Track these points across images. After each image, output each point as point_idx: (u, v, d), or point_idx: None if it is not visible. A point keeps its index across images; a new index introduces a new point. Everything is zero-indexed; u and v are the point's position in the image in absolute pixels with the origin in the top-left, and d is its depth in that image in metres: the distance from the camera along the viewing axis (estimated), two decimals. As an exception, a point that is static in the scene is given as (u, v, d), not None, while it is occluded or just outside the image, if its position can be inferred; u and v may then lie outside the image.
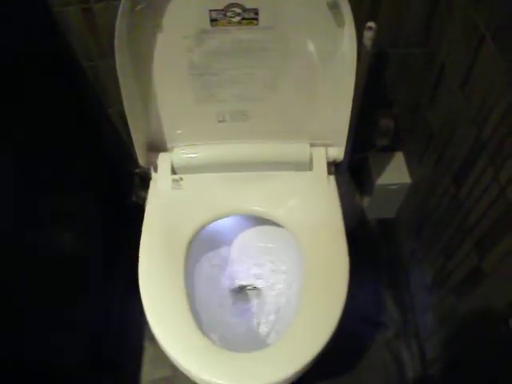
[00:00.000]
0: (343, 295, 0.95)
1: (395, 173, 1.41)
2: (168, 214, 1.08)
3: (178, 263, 1.01)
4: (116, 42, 0.89)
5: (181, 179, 1.11)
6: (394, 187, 1.41)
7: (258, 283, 1.20)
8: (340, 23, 0.89)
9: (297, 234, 1.06)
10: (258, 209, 1.10)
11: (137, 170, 1.43)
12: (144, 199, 1.41)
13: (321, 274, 0.99)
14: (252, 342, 1.10)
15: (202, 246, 1.12)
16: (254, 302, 1.19)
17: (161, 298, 0.97)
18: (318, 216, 1.07)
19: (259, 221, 1.16)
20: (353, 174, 1.46)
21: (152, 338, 1.35)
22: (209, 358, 0.89)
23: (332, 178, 1.11)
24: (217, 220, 1.11)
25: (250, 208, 1.11)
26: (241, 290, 1.21)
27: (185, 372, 0.88)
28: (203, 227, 1.09)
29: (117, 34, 0.88)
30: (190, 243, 1.05)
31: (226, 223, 1.16)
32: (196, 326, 0.92)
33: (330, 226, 1.05)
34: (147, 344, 1.41)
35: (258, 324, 1.14)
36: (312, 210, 1.08)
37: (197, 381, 0.88)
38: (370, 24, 0.99)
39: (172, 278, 0.99)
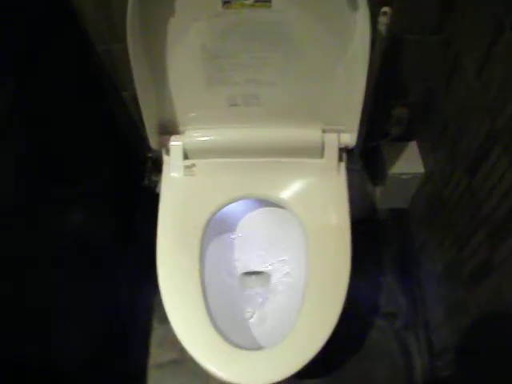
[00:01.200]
0: (342, 295, 0.98)
1: (408, 162, 1.40)
2: (182, 202, 1.10)
3: (194, 250, 1.04)
4: (128, 25, 0.89)
5: (193, 165, 1.11)
6: (407, 177, 1.39)
7: (267, 269, 1.20)
8: (354, 8, 0.88)
9: (302, 222, 1.07)
10: (267, 193, 1.11)
11: (149, 155, 1.44)
12: (156, 183, 1.43)
13: (323, 268, 1.02)
14: (258, 330, 1.10)
15: (212, 230, 1.12)
16: (262, 287, 1.19)
17: (177, 286, 1.01)
18: (324, 206, 1.08)
19: (269, 207, 1.17)
20: (366, 163, 1.44)
21: (161, 320, 1.38)
22: (216, 351, 0.93)
23: (343, 164, 1.11)
24: (228, 205, 1.12)
25: (259, 192, 1.12)
26: (249, 275, 1.21)
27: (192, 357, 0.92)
28: (216, 212, 1.10)
29: (129, 17, 0.88)
30: (204, 230, 1.07)
31: (236, 208, 1.17)
32: (208, 317, 0.96)
33: (336, 218, 1.07)
34: (156, 325, 1.42)
35: (265, 311, 1.14)
36: (319, 199, 1.09)
37: (202, 367, 0.92)
38: (385, 9, 0.97)
39: (188, 265, 1.03)
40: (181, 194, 1.11)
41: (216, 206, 1.10)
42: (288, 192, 1.10)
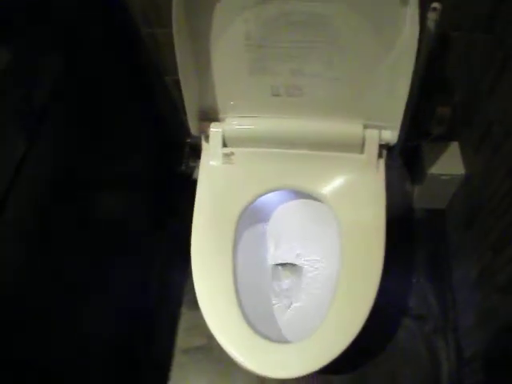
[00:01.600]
0: (373, 294, 0.98)
1: (449, 163, 1.37)
2: (219, 190, 1.11)
3: (228, 241, 1.05)
4: (174, 10, 0.90)
5: (232, 153, 1.12)
6: (446, 177, 1.37)
7: (299, 262, 1.20)
8: (404, 2, 0.86)
9: (338, 217, 1.06)
10: (304, 185, 1.11)
11: (188, 140, 1.44)
12: (193, 169, 1.44)
13: (355, 265, 1.01)
14: (286, 322, 1.11)
15: (247, 219, 1.13)
16: (293, 280, 1.18)
17: (210, 276, 1.02)
18: (361, 202, 1.07)
19: (305, 199, 1.16)
20: (405, 161, 1.42)
21: (191, 306, 1.39)
22: (244, 341, 0.94)
23: (382, 161, 1.09)
24: (265, 194, 1.12)
25: (296, 184, 1.12)
26: (281, 267, 1.21)
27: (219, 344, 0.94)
28: (252, 202, 1.10)
29: (174, 2, 0.89)
30: (239, 219, 1.08)
31: (271, 199, 1.17)
32: (238, 306, 0.97)
33: (372, 215, 1.06)
34: (185, 311, 1.43)
35: (295, 304, 1.14)
36: (357, 195, 1.08)
37: (229, 355, 0.93)
38: (435, 5, 0.95)
39: (221, 254, 1.04)
40: (218, 182, 1.11)
41: (253, 196, 1.10)
42: (325, 186, 1.10)
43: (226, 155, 1.11)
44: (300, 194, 1.16)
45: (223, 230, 1.06)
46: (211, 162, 1.12)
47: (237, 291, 0.99)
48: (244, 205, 1.09)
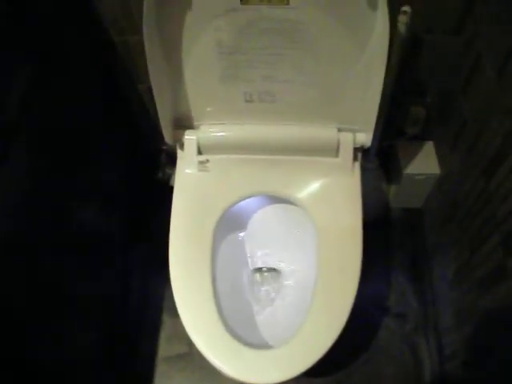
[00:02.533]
0: (352, 296, 0.97)
1: (424, 163, 1.38)
2: (195, 198, 1.10)
3: (205, 249, 1.04)
4: (144, 18, 0.89)
5: (207, 161, 1.11)
6: (422, 177, 1.38)
7: (278, 266, 1.20)
8: (373, 6, 0.87)
9: (314, 220, 1.07)
10: (280, 191, 1.11)
11: (164, 147, 1.43)
12: (170, 176, 1.43)
13: (333, 268, 1.01)
14: (267, 327, 1.10)
15: (225, 226, 1.12)
16: (272, 284, 1.18)
17: (188, 283, 1.01)
18: (337, 205, 1.08)
19: (283, 204, 1.16)
20: (381, 161, 1.43)
21: (171, 313, 1.38)
22: (224, 348, 0.94)
23: (357, 164, 1.10)
24: (241, 201, 1.12)
25: (272, 190, 1.12)
26: (260, 272, 1.21)
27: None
28: (228, 208, 1.10)
29: (145, 10, 0.88)
30: (217, 226, 1.07)
31: (249, 205, 1.17)
32: (217, 313, 0.97)
33: (348, 218, 1.06)
34: (166, 319, 1.43)
35: (274, 308, 1.15)
36: (333, 198, 1.09)
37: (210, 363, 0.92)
38: (405, 8, 0.95)
39: (200, 261, 1.03)
40: (194, 190, 1.10)
41: (229, 203, 1.10)
42: (301, 190, 1.10)
43: (202, 163, 1.11)
44: (277, 199, 1.16)
45: (201, 238, 1.05)
46: (187, 170, 1.12)
47: (216, 298, 0.99)
48: (221, 212, 1.08)
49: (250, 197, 1.12)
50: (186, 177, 1.12)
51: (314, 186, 1.10)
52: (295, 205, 1.12)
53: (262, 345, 1.04)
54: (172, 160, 1.19)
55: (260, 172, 1.11)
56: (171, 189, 1.11)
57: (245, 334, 0.98)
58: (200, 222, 1.07)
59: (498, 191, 0.98)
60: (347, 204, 1.07)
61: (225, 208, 1.09)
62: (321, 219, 1.06)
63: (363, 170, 1.11)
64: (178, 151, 1.13)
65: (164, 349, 1.39)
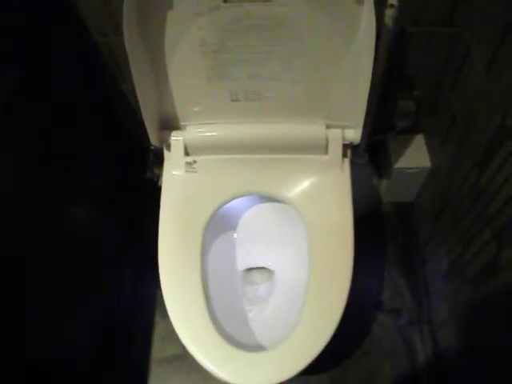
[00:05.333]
0: (344, 294, 0.96)
1: (415, 156, 1.37)
2: (183, 199, 1.08)
3: (195, 248, 1.03)
4: (124, 18, 0.86)
5: (194, 162, 1.09)
6: (412, 171, 1.37)
7: (269, 266, 1.19)
8: (359, 0, 0.85)
9: (304, 219, 1.05)
10: (270, 190, 1.10)
11: (151, 147, 1.41)
12: (158, 176, 1.41)
13: (324, 266, 1.00)
14: (259, 327, 1.09)
15: (215, 227, 1.11)
16: (264, 284, 1.18)
17: (178, 285, 1.00)
18: (327, 203, 1.06)
19: (273, 203, 1.15)
20: (371, 156, 1.42)
21: (164, 314, 1.37)
22: (216, 351, 0.92)
23: (347, 160, 1.08)
24: (230, 201, 1.10)
25: (261, 189, 1.10)
26: (252, 272, 1.20)
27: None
28: (217, 209, 1.08)
29: (125, 10, 0.86)
30: (206, 227, 1.06)
31: (239, 205, 1.16)
32: (208, 316, 0.95)
33: (338, 215, 1.04)
34: (158, 320, 1.42)
35: (266, 308, 1.14)
36: (323, 196, 1.07)
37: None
38: (392, 1, 0.94)
39: (190, 263, 1.01)
40: (182, 192, 1.09)
41: (218, 203, 1.08)
42: (291, 188, 1.08)
43: (189, 164, 1.09)
44: (267, 198, 1.15)
45: (190, 239, 1.04)
46: (174, 172, 1.10)
47: (207, 300, 0.97)
48: (210, 213, 1.07)
49: (239, 197, 1.11)
50: (174, 179, 1.10)
51: (304, 184, 1.08)
52: (285, 203, 1.10)
53: (254, 345, 1.03)
54: (160, 160, 1.18)
55: (249, 171, 1.09)
56: (160, 189, 1.10)
57: (237, 335, 0.98)
58: (189, 225, 1.05)
59: (490, 186, 0.97)
60: (337, 201, 1.06)
61: (214, 209, 1.07)
62: (311, 217, 1.05)
63: (353, 165, 1.09)
64: (165, 152, 1.11)
65: (158, 350, 1.39)
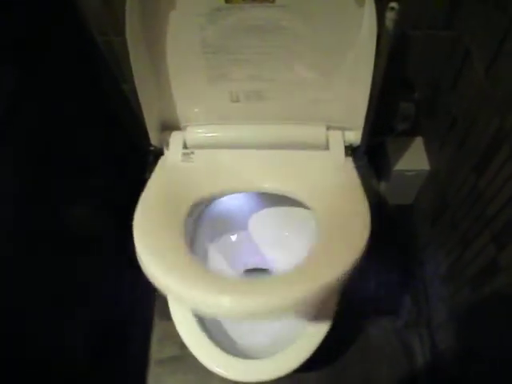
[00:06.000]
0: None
1: (414, 159, 1.37)
2: (174, 180, 1.04)
3: (178, 219, 0.96)
4: (127, 18, 0.87)
5: (192, 153, 1.08)
6: (411, 173, 1.37)
7: (270, 267, 1.19)
8: (360, 3, 0.85)
9: (316, 210, 1.00)
10: (273, 184, 1.05)
11: (151, 148, 1.42)
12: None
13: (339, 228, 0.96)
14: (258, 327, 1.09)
15: (215, 228, 1.11)
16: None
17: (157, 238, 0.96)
18: (337, 192, 1.01)
19: (274, 206, 1.15)
20: (370, 158, 1.42)
21: (162, 316, 1.38)
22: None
23: (349, 159, 1.06)
24: (228, 194, 1.09)
25: (263, 184, 1.06)
26: (252, 273, 1.20)
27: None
28: (212, 197, 1.07)
29: (128, 10, 0.86)
30: (195, 206, 1.01)
31: (240, 205, 1.15)
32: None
33: (352, 205, 0.99)
34: (157, 321, 1.41)
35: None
36: (331, 186, 1.02)
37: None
38: (393, 4, 0.94)
39: (171, 227, 0.95)
40: (173, 177, 1.04)
41: (211, 191, 1.04)
42: (295, 182, 1.04)
43: (186, 154, 1.07)
44: (268, 199, 1.14)
45: (173, 212, 0.98)
46: (169, 161, 1.07)
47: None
48: (197, 196, 1.01)
49: (235, 192, 1.08)
50: (166, 166, 1.07)
51: (308, 177, 1.04)
52: (288, 201, 1.07)
53: (251, 347, 1.03)
54: (159, 161, 1.18)
55: (249, 165, 1.06)
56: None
57: (235, 335, 0.99)
58: (175, 203, 0.99)
59: (488, 189, 0.97)
60: (347, 192, 1.01)
61: (206, 195, 1.03)
62: (321, 210, 0.99)
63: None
64: (165, 151, 1.11)
65: (156, 351, 1.39)
